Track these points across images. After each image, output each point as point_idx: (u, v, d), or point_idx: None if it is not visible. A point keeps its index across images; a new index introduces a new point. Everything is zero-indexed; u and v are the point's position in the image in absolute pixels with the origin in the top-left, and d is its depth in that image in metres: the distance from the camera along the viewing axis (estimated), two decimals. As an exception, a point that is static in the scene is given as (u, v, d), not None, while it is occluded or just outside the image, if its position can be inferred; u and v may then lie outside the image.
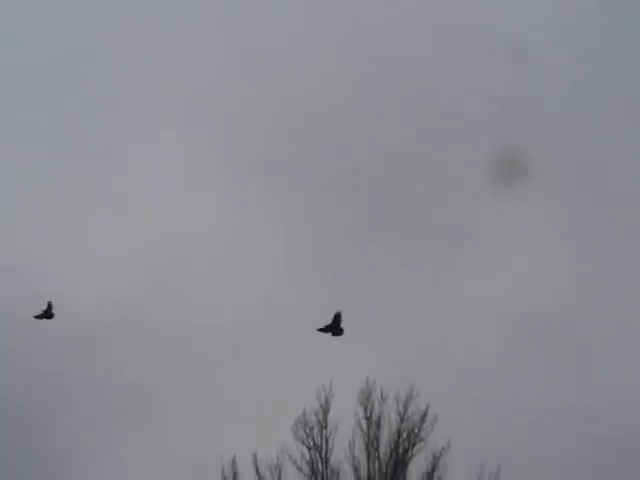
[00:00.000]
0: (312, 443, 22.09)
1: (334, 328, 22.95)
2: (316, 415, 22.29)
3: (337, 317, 22.89)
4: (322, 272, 28.84)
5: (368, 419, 22.21)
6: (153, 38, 35.51)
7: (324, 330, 24.17)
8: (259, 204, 31.86)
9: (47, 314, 11.33)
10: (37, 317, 10.56)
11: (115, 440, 26.36)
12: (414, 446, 21.92)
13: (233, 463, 22.00)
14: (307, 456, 22.06)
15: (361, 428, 22.21)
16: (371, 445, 22.04)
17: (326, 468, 21.94)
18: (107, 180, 33.38)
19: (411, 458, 21.83)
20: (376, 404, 22.28)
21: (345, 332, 23.33)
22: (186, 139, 33.77)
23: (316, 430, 22.17)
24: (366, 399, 22.33)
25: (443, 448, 21.44)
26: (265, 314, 26.82)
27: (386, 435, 22.11)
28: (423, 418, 21.94)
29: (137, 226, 33.06)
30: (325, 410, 22.31)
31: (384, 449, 22.00)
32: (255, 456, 21.96)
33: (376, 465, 21.86)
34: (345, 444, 22.10)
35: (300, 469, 21.93)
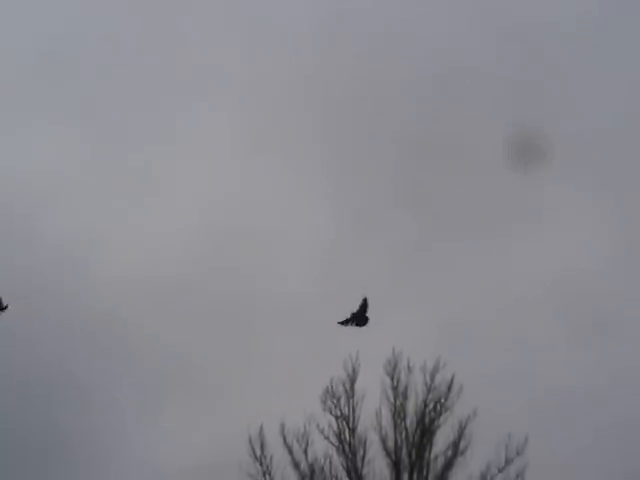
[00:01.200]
0: (339, 413, 22.29)
1: (359, 317, 23.15)
2: (343, 385, 22.50)
3: (364, 304, 23.05)
4: (369, 242, 29.24)
5: (395, 389, 22.38)
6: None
7: (347, 322, 24.50)
8: (311, 174, 32.32)
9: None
10: None
11: (155, 411, 26.80)
12: (440, 416, 22.06)
13: (260, 432, 22.20)
14: (334, 426, 22.26)
15: (388, 398, 22.39)
16: (398, 415, 22.19)
17: (353, 438, 22.11)
18: (158, 150, 33.94)
19: (437, 428, 21.95)
20: (403, 374, 22.45)
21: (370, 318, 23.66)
22: (237, 108, 34.25)
23: (343, 400, 22.37)
24: (392, 369, 22.50)
25: (469, 417, 21.55)
26: (311, 285, 27.17)
27: (413, 405, 22.25)
28: (449, 388, 22.08)
29: (189, 197, 33.61)
30: (352, 380, 22.51)
31: (411, 419, 22.14)
32: (282, 426, 22.20)
33: (403, 435, 21.99)
34: (372, 414, 22.28)
35: (327, 438, 22.13)
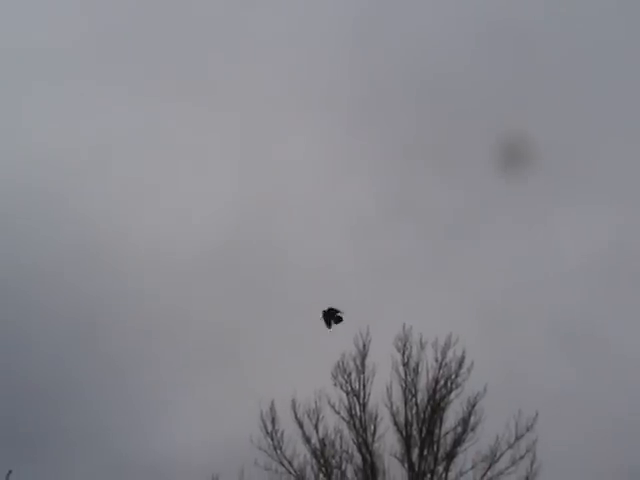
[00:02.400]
0: (350, 388, 22.39)
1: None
2: (354, 361, 22.57)
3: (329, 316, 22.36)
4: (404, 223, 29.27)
5: (405, 365, 22.44)
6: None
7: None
8: (348, 140, 32.35)
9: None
10: None
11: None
12: (451, 392, 22.13)
13: (272, 408, 22.34)
14: (345, 401, 22.38)
15: (399, 374, 22.46)
16: (408, 391, 22.27)
17: (364, 413, 22.22)
18: (193, 122, 34.07)
19: (448, 404, 22.02)
20: (414, 350, 22.50)
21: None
22: (273, 76, 34.29)
23: (354, 375, 22.45)
24: (403, 345, 22.56)
25: (479, 394, 21.60)
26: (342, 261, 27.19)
27: (423, 381, 22.34)
28: (460, 364, 22.12)
29: (226, 167, 33.77)
30: (363, 356, 22.58)
31: (421, 395, 22.23)
32: (294, 401, 22.35)
33: (413, 411, 22.08)
34: (383, 390, 22.36)
35: (338, 413, 22.25)
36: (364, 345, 22.57)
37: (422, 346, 22.46)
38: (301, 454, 21.91)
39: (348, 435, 22.16)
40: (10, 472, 55.64)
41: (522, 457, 20.39)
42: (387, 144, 34.20)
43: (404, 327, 22.63)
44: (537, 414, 20.75)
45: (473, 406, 21.67)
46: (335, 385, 22.41)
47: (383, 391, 22.25)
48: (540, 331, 26.05)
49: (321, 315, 21.67)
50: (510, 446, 20.53)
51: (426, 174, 33.49)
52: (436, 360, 22.30)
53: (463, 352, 22.15)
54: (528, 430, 20.56)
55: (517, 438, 20.53)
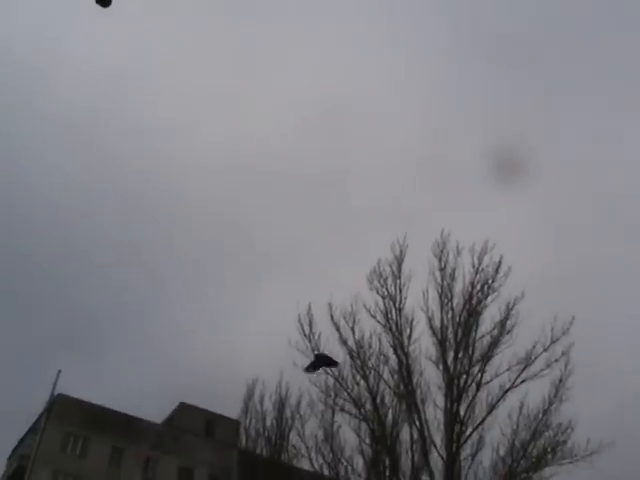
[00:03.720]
0: (386, 293, 22.61)
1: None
2: (390, 266, 22.71)
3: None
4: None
5: (442, 271, 22.54)
6: None
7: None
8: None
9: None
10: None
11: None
12: (487, 297, 22.25)
13: (309, 311, 22.70)
14: (381, 305, 22.65)
15: (435, 279, 22.59)
16: (444, 296, 22.45)
17: (399, 317, 22.51)
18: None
19: (484, 308, 22.18)
20: (451, 256, 22.54)
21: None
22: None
23: (390, 281, 22.65)
24: (440, 251, 22.59)
25: (516, 298, 21.65)
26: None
27: (460, 286, 22.46)
28: (497, 270, 22.14)
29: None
30: (399, 261, 22.69)
31: (457, 300, 22.42)
32: (330, 305, 22.67)
33: (449, 315, 22.31)
34: (419, 295, 22.55)
35: (374, 317, 22.56)
36: (401, 251, 22.67)
37: (459, 252, 22.51)
38: (338, 356, 22.35)
39: (384, 338, 22.54)
40: (60, 372, 57.84)
41: (557, 360, 20.56)
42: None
43: (442, 233, 22.64)
44: (573, 318, 20.79)
45: (510, 310, 21.77)
46: (371, 290, 22.64)
47: (419, 296, 22.47)
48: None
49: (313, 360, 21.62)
50: (545, 349, 20.68)
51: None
52: (473, 266, 22.38)
53: (500, 258, 22.15)
54: (564, 334, 20.64)
55: (552, 342, 20.65)
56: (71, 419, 53.20)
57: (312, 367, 22.22)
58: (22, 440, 58.20)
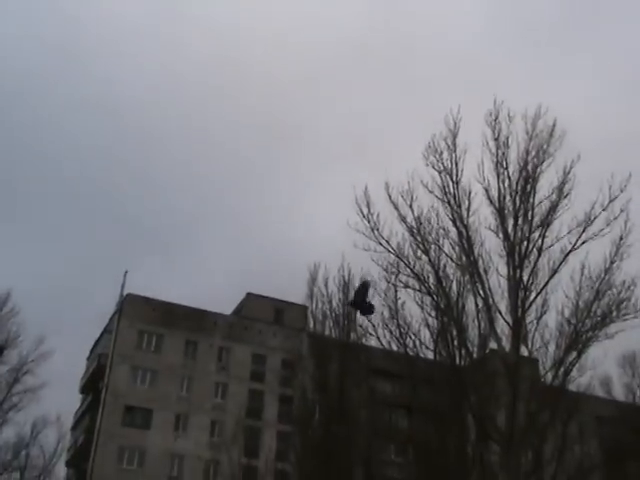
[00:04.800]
0: (442, 167, 22.52)
1: (360, 305, 21.20)
2: (445, 140, 22.51)
3: (362, 289, 20.85)
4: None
5: (496, 140, 22.27)
6: None
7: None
8: None
9: None
10: None
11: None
12: (543, 162, 22.02)
13: (366, 191, 22.81)
14: (438, 180, 22.62)
15: (489, 149, 22.37)
16: (500, 165, 22.27)
17: (457, 190, 22.49)
18: None
19: (540, 174, 22.00)
20: (504, 124, 22.19)
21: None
22: None
23: (445, 154, 22.49)
24: (494, 120, 22.25)
25: (572, 161, 21.39)
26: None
27: (514, 154, 22.23)
28: (551, 134, 21.79)
29: None
30: (454, 134, 22.45)
31: (513, 168, 22.23)
32: (387, 184, 22.74)
33: (506, 184, 22.20)
34: (474, 167, 22.43)
35: (432, 192, 22.59)
36: (455, 124, 22.38)
37: (511, 119, 22.12)
38: (398, 233, 22.61)
39: (443, 212, 22.63)
40: (126, 272, 60.12)
41: (616, 218, 20.42)
42: None
43: (495, 102, 22.23)
44: (630, 175, 20.48)
45: (566, 174, 21.55)
46: (427, 165, 22.56)
47: (474, 168, 22.33)
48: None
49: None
50: (604, 208, 20.50)
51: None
52: (526, 132, 22.03)
53: (554, 122, 21.75)
54: (622, 191, 20.39)
55: (611, 200, 20.44)
56: (143, 317, 55.77)
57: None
58: (98, 341, 61.36)
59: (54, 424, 45.19)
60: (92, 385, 57.95)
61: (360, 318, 28.44)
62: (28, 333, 46.12)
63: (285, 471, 43.40)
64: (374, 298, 25.05)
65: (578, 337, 20.50)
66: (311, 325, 35.55)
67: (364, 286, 21.10)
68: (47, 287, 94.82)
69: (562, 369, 20.58)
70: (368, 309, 21.36)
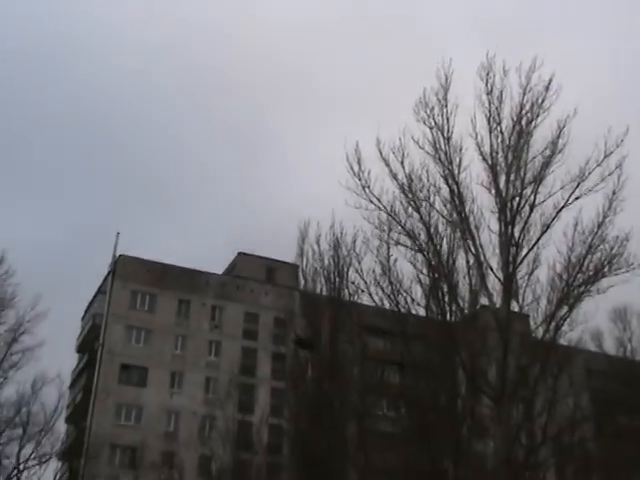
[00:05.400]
0: (433, 123, 22.27)
1: None
2: (436, 95, 22.21)
3: None
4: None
5: (489, 94, 22.00)
6: None
7: None
8: None
9: None
10: None
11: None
12: (537, 117, 21.78)
13: (357, 148, 22.64)
14: (429, 136, 22.40)
15: (482, 104, 22.10)
16: (493, 120, 22.03)
17: (448, 146, 22.29)
18: None
19: (534, 129, 21.80)
20: (497, 78, 21.89)
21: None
22: None
23: (437, 110, 22.22)
24: (486, 74, 21.94)
25: (568, 116, 21.15)
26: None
27: (508, 109, 21.98)
28: (547, 88, 21.50)
29: None
30: (445, 89, 22.15)
31: (506, 123, 21.99)
32: (378, 140, 22.53)
33: (499, 139, 21.99)
34: (466, 122, 22.18)
35: (423, 149, 22.39)
36: (446, 78, 22.06)
37: (505, 73, 21.82)
38: (389, 191, 22.49)
39: (434, 169, 22.47)
40: (118, 234, 60.22)
41: (610, 174, 20.28)
42: None
43: (487, 55, 21.90)
44: (628, 129, 20.31)
45: (561, 128, 21.32)
46: (418, 121, 22.33)
47: (467, 123, 22.10)
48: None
49: None
50: (599, 164, 20.34)
51: None
52: (520, 85, 21.73)
53: (551, 75, 21.43)
54: (618, 146, 20.22)
55: (606, 155, 20.27)
56: (135, 278, 55.86)
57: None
58: (92, 301, 61.52)
59: (54, 382, 45.60)
60: (88, 345, 58.30)
61: (351, 277, 28.57)
62: (24, 294, 46.18)
63: (279, 426, 43.96)
64: (366, 255, 25.10)
65: (570, 292, 20.55)
66: (302, 283, 35.60)
67: None
68: (43, 249, 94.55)
69: (553, 324, 20.68)
70: None
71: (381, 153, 22.42)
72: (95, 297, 60.38)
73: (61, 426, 51.56)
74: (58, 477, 47.88)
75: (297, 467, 35.52)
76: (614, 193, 20.11)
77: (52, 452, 44.76)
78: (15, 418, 43.51)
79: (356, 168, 22.41)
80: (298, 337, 30.64)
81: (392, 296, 23.99)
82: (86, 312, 62.80)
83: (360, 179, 22.35)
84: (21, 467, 42.72)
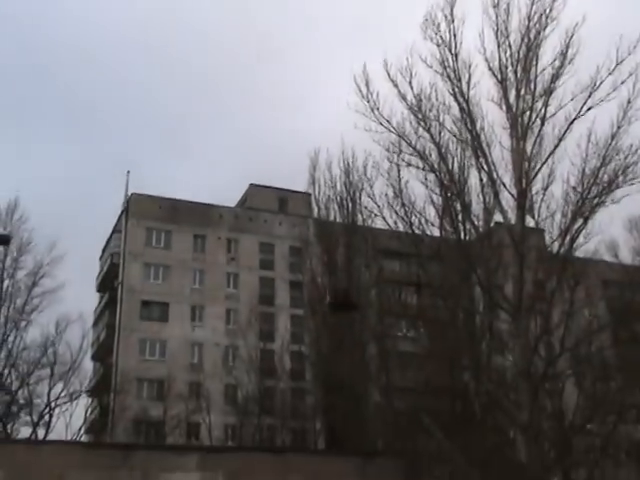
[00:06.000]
0: (440, 40, 21.88)
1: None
2: (442, 11, 21.74)
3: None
4: None
5: (496, 7, 21.55)
6: None
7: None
8: None
9: None
10: None
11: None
12: (546, 28, 21.32)
13: (364, 70, 22.34)
14: (437, 54, 22.02)
15: (489, 18, 21.66)
16: (501, 34, 21.61)
17: (457, 63, 21.94)
18: None
19: (543, 40, 21.36)
20: (504, -11, 21.31)
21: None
22: None
23: (443, 26, 21.78)
24: (493, -14, 21.39)
25: (577, 24, 20.65)
26: None
27: (516, 22, 21.53)
28: (554, -2, 20.92)
29: None
30: (451, 4, 21.65)
31: (514, 36, 21.57)
32: (385, 61, 22.19)
33: (507, 53, 21.62)
34: (474, 37, 21.79)
35: (431, 67, 22.06)
36: (452, -8, 21.50)
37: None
38: (398, 112, 22.28)
39: (443, 87, 22.19)
40: (129, 172, 60.34)
41: (623, 82, 19.88)
42: None
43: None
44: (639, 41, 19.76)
45: (570, 37, 20.84)
46: (425, 39, 21.92)
47: (475, 39, 21.70)
48: None
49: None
50: (610, 72, 19.92)
51: None
52: (528, -4, 21.18)
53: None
54: (630, 54, 19.77)
55: (618, 63, 19.85)
56: (149, 215, 56.21)
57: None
58: (109, 241, 62.11)
59: (77, 322, 46.64)
60: (107, 284, 59.19)
61: (364, 202, 28.61)
62: (41, 238, 46.83)
63: (301, 352, 44.83)
64: (377, 179, 25.06)
65: (584, 204, 20.47)
66: (316, 211, 35.71)
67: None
68: (57, 192, 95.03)
69: (568, 237, 20.69)
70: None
71: (389, 74, 22.11)
72: (111, 236, 60.96)
73: (88, 364, 52.97)
74: (89, 412, 49.41)
75: (320, 391, 36.42)
76: (629, 102, 19.78)
77: (81, 389, 46.09)
78: (42, 359, 44.69)
79: (364, 90, 22.15)
80: (332, 301, 30.65)
81: (405, 218, 24.01)
82: (103, 252, 63.50)
83: (369, 101, 22.11)
84: (52, 405, 44.07)
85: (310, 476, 17.75)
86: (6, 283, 46.12)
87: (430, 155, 22.30)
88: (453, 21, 21.59)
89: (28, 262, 46.90)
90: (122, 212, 57.60)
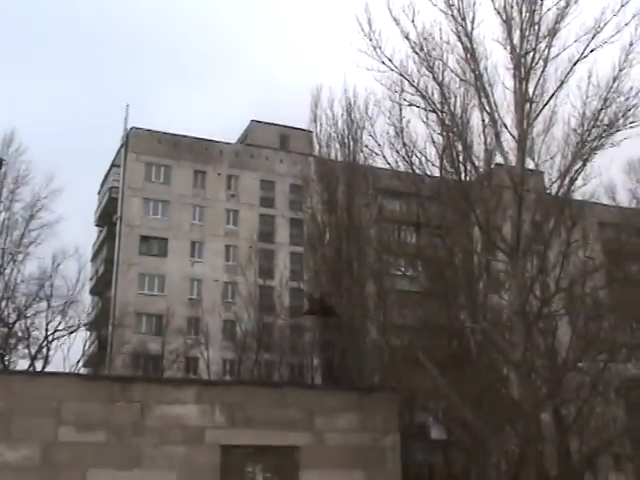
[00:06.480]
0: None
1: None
2: (447, -54, 21.34)
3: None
4: None
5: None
6: None
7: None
8: None
9: None
10: None
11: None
12: None
13: (366, 8, 21.99)
14: (441, -9, 21.71)
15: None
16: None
17: (461, 1, 21.69)
18: None
19: None
20: None
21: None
22: None
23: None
24: None
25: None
26: None
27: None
28: None
29: None
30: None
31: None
32: (388, -1, 21.87)
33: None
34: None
35: (435, 5, 21.69)
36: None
37: None
38: (401, 51, 22.05)
39: (447, 26, 21.90)
40: (128, 106, 59.48)
41: (627, 24, 19.65)
42: None
43: None
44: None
45: None
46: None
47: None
48: None
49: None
50: (615, 14, 19.70)
51: None
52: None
53: None
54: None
55: (623, 5, 19.63)
56: (149, 150, 56.08)
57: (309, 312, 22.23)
58: (107, 175, 62.03)
59: (74, 256, 46.88)
60: (106, 218, 59.40)
61: (365, 141, 28.60)
62: (39, 171, 46.70)
63: (300, 289, 45.44)
64: (379, 118, 25.01)
65: (584, 146, 20.53)
66: (317, 149, 35.67)
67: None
68: (56, 125, 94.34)
69: (567, 179, 20.82)
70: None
71: (391, 12, 21.78)
72: (110, 171, 60.89)
73: (86, 298, 53.53)
74: (87, 346, 50.20)
75: (318, 327, 37.07)
76: (631, 45, 19.63)
77: (79, 322, 46.61)
78: (39, 292, 45.04)
79: (366, 28, 21.82)
80: (308, 310, 30.04)
81: (406, 158, 24.01)
82: (102, 186, 63.52)
83: (371, 39, 21.81)
84: (50, 338, 44.58)
85: (307, 409, 18.25)
86: (3, 215, 46.25)
87: (432, 94, 22.18)
88: (458, -44, 21.17)
89: (25, 194, 46.94)
90: (121, 146, 57.41)
